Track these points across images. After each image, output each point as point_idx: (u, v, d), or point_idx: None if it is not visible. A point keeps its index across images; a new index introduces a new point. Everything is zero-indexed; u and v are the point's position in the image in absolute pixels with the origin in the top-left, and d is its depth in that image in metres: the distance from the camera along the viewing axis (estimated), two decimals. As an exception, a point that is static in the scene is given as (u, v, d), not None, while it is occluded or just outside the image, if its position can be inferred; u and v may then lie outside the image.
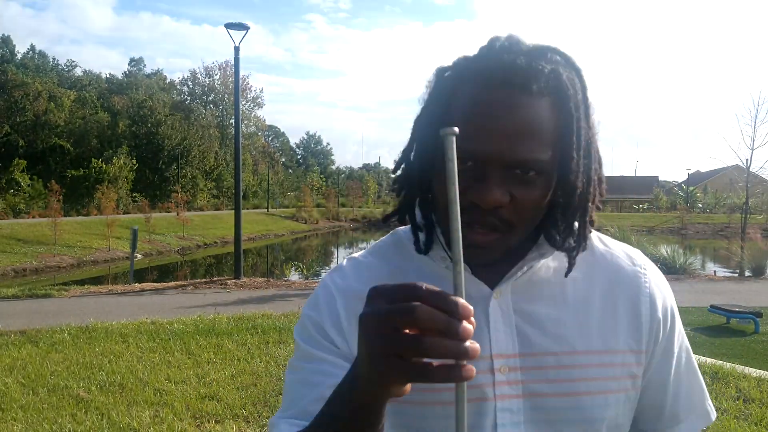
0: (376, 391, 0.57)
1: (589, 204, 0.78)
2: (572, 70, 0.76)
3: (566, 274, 0.79)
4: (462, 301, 0.51)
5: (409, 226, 0.84)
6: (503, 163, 0.71)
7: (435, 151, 0.75)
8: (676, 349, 0.85)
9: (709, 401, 0.89)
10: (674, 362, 0.85)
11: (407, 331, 0.51)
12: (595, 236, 0.85)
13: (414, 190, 0.81)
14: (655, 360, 0.83)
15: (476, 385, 0.75)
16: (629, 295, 0.82)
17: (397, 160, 0.83)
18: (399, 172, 0.83)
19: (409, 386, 0.56)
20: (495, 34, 0.76)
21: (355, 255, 0.88)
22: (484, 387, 0.75)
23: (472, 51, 0.77)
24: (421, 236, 0.80)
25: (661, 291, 0.85)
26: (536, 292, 0.80)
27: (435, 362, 0.51)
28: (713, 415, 0.89)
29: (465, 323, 0.51)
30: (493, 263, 0.77)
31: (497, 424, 0.75)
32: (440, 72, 0.79)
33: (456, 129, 0.55)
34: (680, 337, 0.86)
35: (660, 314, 0.83)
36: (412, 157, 0.81)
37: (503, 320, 0.78)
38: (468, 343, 0.51)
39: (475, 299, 0.76)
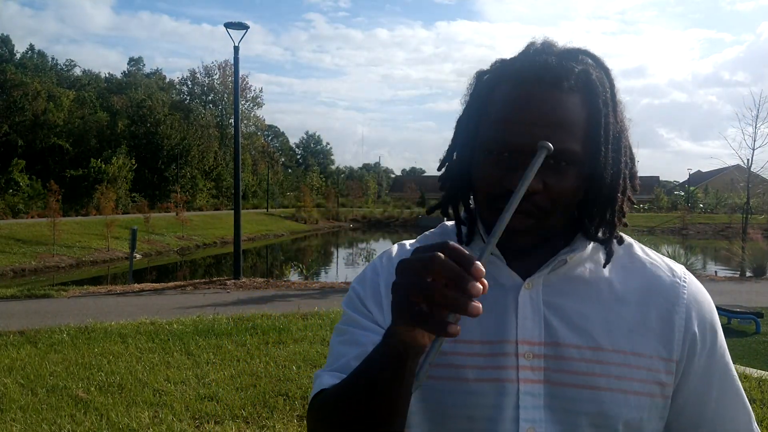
0: (398, 336, 0.65)
1: (618, 195, 0.83)
2: (602, 70, 0.83)
3: (604, 265, 0.84)
4: (477, 262, 0.59)
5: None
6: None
7: (474, 148, 0.83)
8: (717, 369, 0.85)
9: (756, 427, 0.88)
10: (716, 382, 0.85)
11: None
12: (638, 246, 0.90)
13: (457, 185, 0.88)
14: (694, 375, 0.84)
15: (501, 366, 0.80)
16: (664, 303, 0.84)
17: (442, 158, 0.91)
18: (444, 170, 0.90)
19: (426, 339, 0.64)
20: (532, 38, 0.85)
21: (404, 242, 0.96)
22: (509, 369, 0.80)
23: (513, 53, 0.86)
24: (464, 228, 0.89)
25: (701, 306, 0.86)
26: (569, 287, 0.84)
27: (435, 316, 0.59)
28: None
29: (474, 282, 0.58)
30: (528, 251, 0.83)
31: (519, 405, 0.79)
32: (480, 75, 0.87)
33: (551, 146, 0.69)
34: (723, 357, 0.86)
35: (696, 328, 0.84)
36: (455, 156, 0.89)
37: (532, 309, 0.82)
38: (474, 301, 0.57)
39: (507, 288, 0.83)
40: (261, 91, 73.36)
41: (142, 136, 47.86)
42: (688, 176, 68.20)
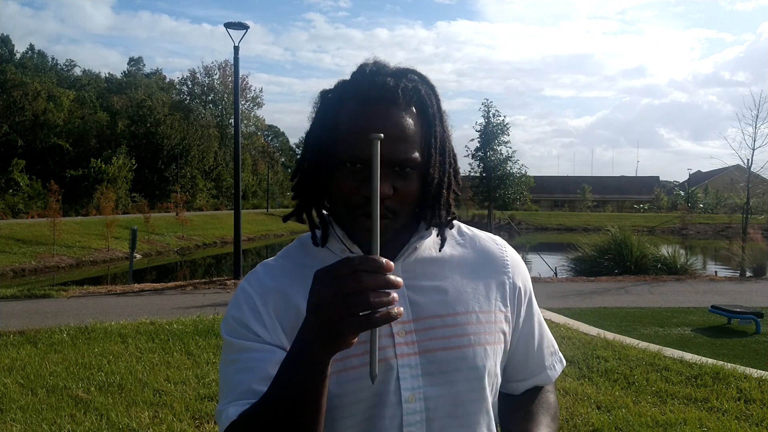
0: (330, 347, 0.74)
1: (444, 191, 0.97)
2: (428, 86, 0.96)
3: (440, 248, 1.00)
4: (385, 260, 0.70)
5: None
6: (387, 162, 0.88)
7: (327, 158, 0.92)
8: (535, 313, 1.10)
9: (559, 353, 1.16)
10: (536, 323, 1.09)
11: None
12: (464, 226, 1.08)
13: (311, 194, 0.98)
14: (521, 320, 1.06)
15: (380, 347, 0.90)
16: (495, 267, 1.04)
17: (293, 169, 1.02)
18: (296, 180, 1.00)
19: (351, 339, 0.73)
20: (366, 59, 0.98)
21: (267, 260, 1.04)
22: (387, 349, 0.92)
23: (349, 74, 0.96)
24: (318, 233, 0.99)
25: (519, 265, 1.07)
26: (422, 268, 0.99)
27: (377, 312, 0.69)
28: (564, 362, 1.16)
29: (393, 276, 0.70)
30: (391, 246, 0.95)
31: (399, 377, 0.92)
32: (324, 94, 0.97)
33: (381, 135, 0.75)
34: (535, 305, 1.11)
35: (520, 283, 1.05)
36: (306, 166, 0.98)
37: (398, 293, 0.89)
38: (395, 292, 0.70)
39: None
40: (261, 91, 73.49)
41: (142, 136, 47.85)
42: (688, 176, 68.22)
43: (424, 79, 0.97)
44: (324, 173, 0.94)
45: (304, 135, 1.00)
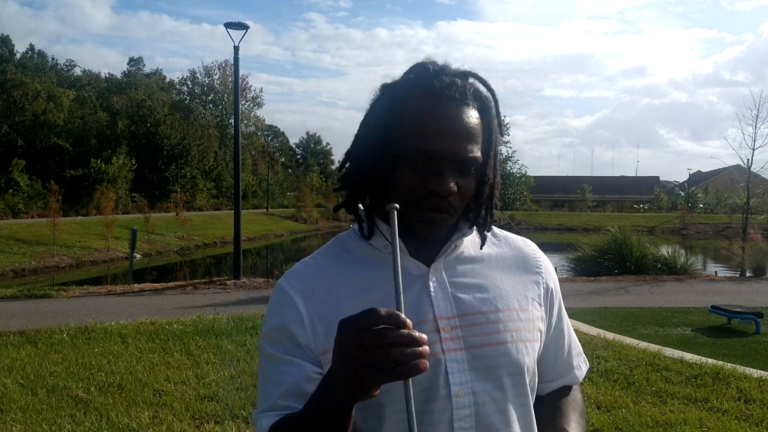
0: (355, 396, 0.76)
1: (495, 191, 1.01)
2: (489, 90, 0.99)
3: (481, 247, 1.03)
4: (419, 334, 0.72)
5: (349, 230, 1.04)
6: (455, 160, 0.91)
7: (390, 151, 0.93)
8: (564, 315, 1.12)
9: (583, 354, 1.19)
10: (565, 325, 1.12)
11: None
12: (495, 228, 1.10)
13: (364, 185, 0.98)
14: (553, 321, 1.08)
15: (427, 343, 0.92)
16: (529, 267, 1.06)
17: (343, 157, 1.02)
18: (346, 171, 1.00)
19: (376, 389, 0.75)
20: (423, 59, 0.99)
21: (305, 259, 1.04)
22: (434, 344, 0.91)
23: (408, 69, 0.98)
24: (365, 225, 0.99)
25: (549, 268, 1.10)
26: (462, 267, 1.00)
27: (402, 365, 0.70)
28: (588, 363, 1.19)
29: (418, 333, 0.71)
30: (424, 241, 0.97)
31: (448, 372, 0.92)
32: (386, 88, 0.98)
33: (397, 206, 0.78)
34: (563, 308, 1.13)
35: (552, 285, 1.08)
36: (361, 158, 0.98)
37: (441, 290, 0.96)
38: (423, 346, 0.71)
39: (415, 275, 0.96)
40: (261, 91, 73.41)
41: (142, 136, 47.84)
42: (688, 176, 68.22)
43: (485, 82, 0.98)
44: (385, 166, 0.94)
45: (358, 127, 1.00)
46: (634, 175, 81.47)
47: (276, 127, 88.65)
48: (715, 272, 14.93)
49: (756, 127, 16.27)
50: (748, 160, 16.33)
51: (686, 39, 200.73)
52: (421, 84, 0.94)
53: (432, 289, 0.96)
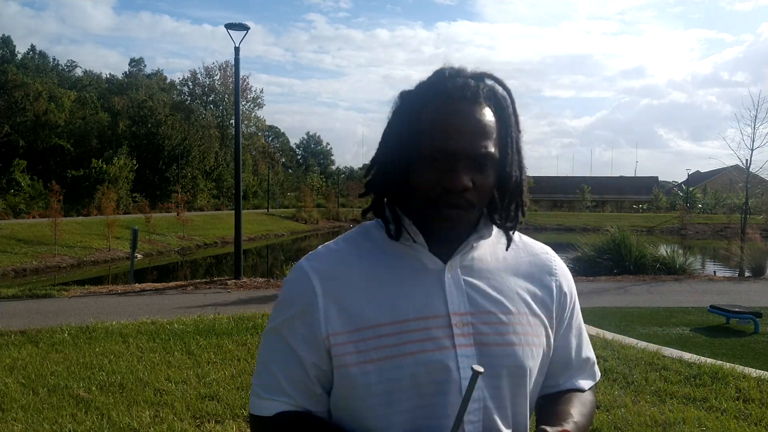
0: None
1: (523, 188, 1.03)
2: (504, 89, 1.01)
3: (507, 248, 1.06)
4: None
5: (374, 220, 1.05)
6: (468, 156, 0.93)
7: (409, 153, 0.97)
8: (577, 321, 1.14)
9: (595, 360, 1.20)
10: (576, 331, 1.14)
11: None
12: (521, 236, 1.12)
13: (386, 188, 1.02)
14: (564, 325, 1.10)
15: (438, 337, 0.96)
16: (543, 275, 1.08)
17: (369, 164, 1.06)
18: (372, 176, 1.04)
19: None
20: (444, 64, 1.02)
21: (329, 243, 1.06)
22: (445, 339, 0.96)
23: (427, 75, 1.02)
24: (392, 227, 1.01)
25: (566, 275, 1.12)
26: (480, 265, 1.03)
27: None
28: (598, 375, 1.20)
29: None
30: (444, 238, 1.00)
31: (459, 367, 0.95)
32: (404, 94, 1.02)
33: (482, 369, 0.86)
34: (579, 313, 1.16)
35: (566, 289, 1.10)
36: (384, 162, 1.01)
37: (455, 287, 0.99)
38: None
39: (432, 271, 1.00)
40: (262, 91, 73.57)
41: (143, 136, 47.83)
42: (686, 176, 68.22)
43: (500, 82, 1.02)
44: (404, 167, 0.98)
45: (382, 133, 1.04)
46: (633, 175, 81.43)
47: (276, 127, 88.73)
48: (714, 272, 14.93)
49: (755, 128, 16.28)
50: (746, 160, 16.34)
51: (686, 39, 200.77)
52: (436, 87, 0.98)
53: (447, 285, 0.99)
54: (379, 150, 1.04)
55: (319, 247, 1.05)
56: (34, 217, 28.28)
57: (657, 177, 77.89)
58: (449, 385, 0.94)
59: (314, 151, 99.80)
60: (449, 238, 1.00)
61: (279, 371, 0.99)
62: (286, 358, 0.99)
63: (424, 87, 1.00)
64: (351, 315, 0.96)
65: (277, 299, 1.04)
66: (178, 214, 28.49)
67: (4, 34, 59.86)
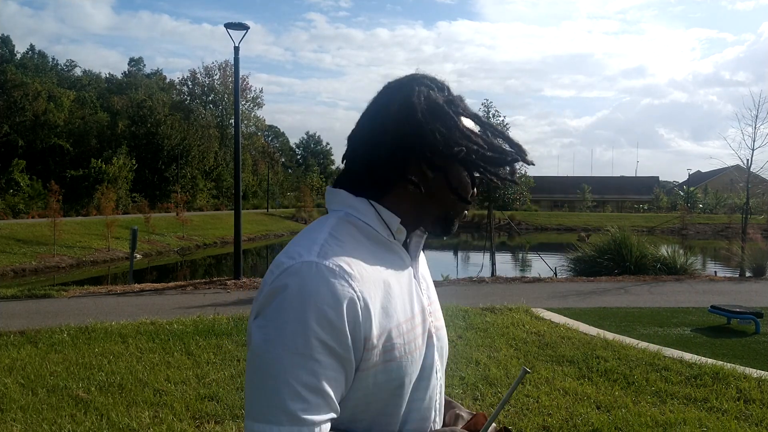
0: None
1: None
2: None
3: (423, 248, 1.13)
4: None
5: (345, 213, 0.99)
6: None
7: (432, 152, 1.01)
8: None
9: None
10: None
11: None
12: None
13: (383, 180, 1.03)
14: None
15: (424, 330, 1.03)
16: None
17: (369, 150, 1.05)
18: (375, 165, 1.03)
19: None
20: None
21: (324, 237, 0.93)
22: (425, 331, 1.03)
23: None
24: (394, 222, 1.03)
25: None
26: (421, 260, 1.11)
27: None
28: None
29: None
30: (411, 237, 1.07)
31: (434, 345, 1.05)
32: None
33: (530, 370, 1.10)
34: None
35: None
36: (378, 155, 1.00)
37: (419, 280, 1.07)
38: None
39: (407, 265, 1.04)
40: (261, 91, 73.44)
41: (143, 136, 47.84)
42: (687, 176, 68.24)
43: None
44: (407, 163, 1.01)
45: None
46: (634, 175, 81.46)
47: (276, 127, 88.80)
48: (715, 272, 14.93)
49: (755, 128, 16.22)
50: (747, 160, 16.29)
51: (686, 39, 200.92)
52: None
53: (419, 279, 1.07)
54: (378, 139, 1.00)
55: (321, 242, 0.92)
56: (33, 217, 28.28)
57: (658, 177, 77.95)
58: (432, 372, 1.03)
59: (314, 151, 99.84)
60: (412, 237, 1.07)
61: (327, 386, 0.86)
62: (328, 378, 0.86)
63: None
64: (383, 316, 0.92)
65: (298, 301, 0.85)
66: (177, 214, 28.51)
67: (3, 34, 59.90)
